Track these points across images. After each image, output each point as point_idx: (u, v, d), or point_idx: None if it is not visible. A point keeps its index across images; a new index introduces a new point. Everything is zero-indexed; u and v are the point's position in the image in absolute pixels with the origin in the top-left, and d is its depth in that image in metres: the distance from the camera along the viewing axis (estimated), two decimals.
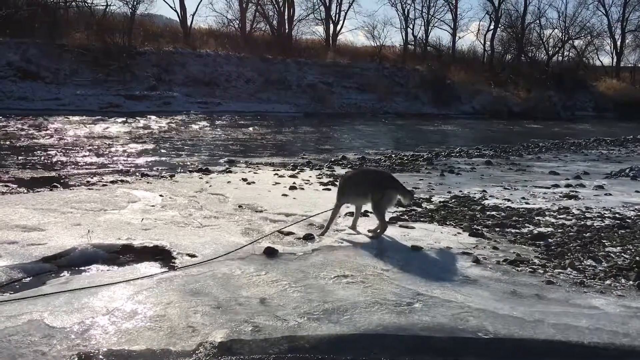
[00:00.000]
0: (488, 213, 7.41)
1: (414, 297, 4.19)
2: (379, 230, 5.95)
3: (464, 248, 5.55)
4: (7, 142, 15.52)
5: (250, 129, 24.13)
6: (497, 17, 58.43)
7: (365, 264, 4.92)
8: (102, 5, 42.37)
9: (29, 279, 4.32)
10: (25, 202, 7.07)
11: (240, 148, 17.02)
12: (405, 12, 57.83)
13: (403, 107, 43.07)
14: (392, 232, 6.06)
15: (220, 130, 22.92)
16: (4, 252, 4.74)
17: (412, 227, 6.40)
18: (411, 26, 58.46)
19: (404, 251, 5.38)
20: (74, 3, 42.71)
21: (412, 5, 58.34)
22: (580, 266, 5.09)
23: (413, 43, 58.70)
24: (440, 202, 8.20)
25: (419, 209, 7.62)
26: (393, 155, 15.06)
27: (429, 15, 58.11)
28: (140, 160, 13.00)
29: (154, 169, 11.60)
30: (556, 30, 61.30)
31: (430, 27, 58.54)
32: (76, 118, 24.84)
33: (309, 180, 10.04)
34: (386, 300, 4.10)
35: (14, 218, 6.03)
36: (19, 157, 12.61)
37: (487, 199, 8.51)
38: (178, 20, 49.09)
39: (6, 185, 8.96)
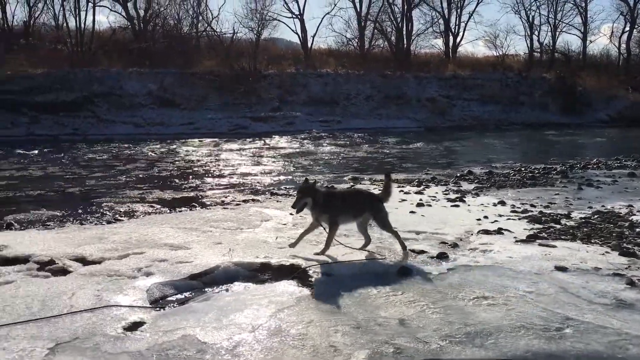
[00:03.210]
0: (638, 230, 6.81)
1: (563, 321, 3.92)
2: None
3: (615, 269, 5.12)
4: (149, 165, 16.79)
5: (372, 145, 24.22)
6: (633, 18, 54.28)
7: (506, 285, 4.70)
8: (230, 33, 44.97)
9: (179, 295, 4.60)
10: (169, 221, 7.59)
11: (363, 165, 17.11)
12: (530, 19, 55.49)
13: (529, 117, 41.11)
14: (532, 251, 5.76)
15: (342, 148, 23.23)
16: (156, 270, 5.10)
17: (553, 246, 6.02)
18: (536, 33, 55.93)
19: (547, 272, 5.07)
20: (204, 33, 45.64)
21: (537, 11, 55.86)
22: None
23: (539, 50, 56.11)
24: (581, 218, 7.69)
25: (558, 226, 7.18)
26: (523, 169, 14.38)
27: (556, 20, 55.33)
28: (268, 179, 13.49)
29: (282, 187, 11.96)
30: None
31: (557, 33, 55.70)
32: (208, 140, 26.39)
33: (435, 197, 9.85)
34: (533, 324, 3.88)
35: (162, 237, 6.48)
36: (160, 179, 13.59)
37: (635, 215, 7.84)
38: (299, 42, 50.77)
39: (151, 206, 9.69)
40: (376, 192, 7.10)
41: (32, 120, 30.47)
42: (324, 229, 5.88)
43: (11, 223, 8.09)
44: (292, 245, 5.82)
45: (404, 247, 5.92)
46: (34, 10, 41.80)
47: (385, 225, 6.02)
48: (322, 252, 5.74)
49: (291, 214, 7.59)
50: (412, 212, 8.28)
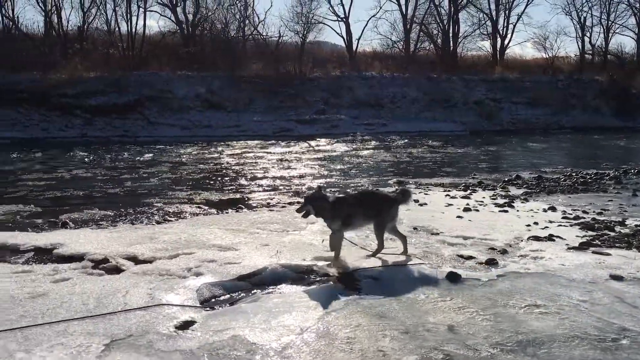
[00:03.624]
0: None
1: (619, 332, 3.80)
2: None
3: None
4: (196, 167, 17.11)
5: (417, 148, 24.02)
6: None
7: (558, 293, 4.58)
8: (276, 37, 45.39)
9: (228, 295, 4.67)
10: (217, 222, 7.72)
11: (408, 168, 16.98)
12: (582, 20, 53.97)
13: (580, 121, 39.97)
14: (585, 258, 5.60)
15: (387, 151, 23.12)
16: (206, 270, 5.20)
17: (608, 254, 5.84)
18: (588, 34, 54.36)
19: (602, 280, 4.92)
20: (251, 36, 46.23)
21: (589, 12, 54.36)
22: None
23: (590, 52, 54.49)
24: (636, 225, 7.43)
25: (612, 233, 6.97)
26: (574, 174, 13.99)
27: (609, 22, 53.62)
28: (313, 182, 13.54)
29: (327, 190, 11.98)
30: None
31: (610, 34, 54.00)
32: (253, 143, 26.70)
33: (482, 202, 9.70)
34: (587, 334, 3.78)
35: (210, 238, 6.60)
36: (206, 180, 13.82)
37: None
38: (344, 45, 50.83)
39: (199, 207, 9.87)
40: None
41: (85, 122, 31.53)
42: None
43: (66, 222, 8.38)
44: (335, 259, 5.67)
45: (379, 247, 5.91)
46: (88, 16, 43.29)
47: (379, 228, 5.88)
48: (335, 258, 5.65)
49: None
50: (459, 217, 8.16)
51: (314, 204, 5.64)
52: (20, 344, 3.59)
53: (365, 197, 6.44)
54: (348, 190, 11.78)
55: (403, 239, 6.03)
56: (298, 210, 5.80)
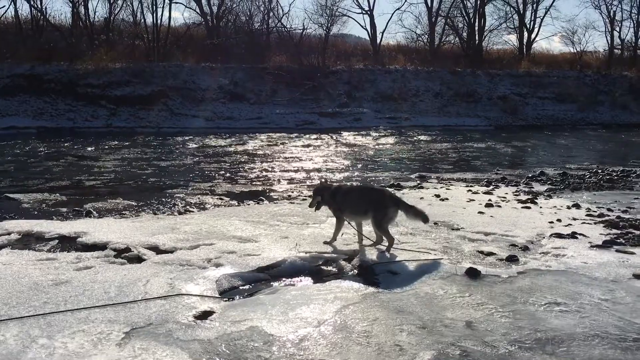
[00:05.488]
0: None
1: None
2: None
3: None
4: (218, 158, 17.22)
5: (440, 143, 23.85)
6: None
7: (579, 292, 4.52)
8: (300, 29, 45.33)
9: (246, 286, 4.70)
10: (238, 214, 7.77)
11: (430, 163, 16.88)
12: (611, 14, 52.86)
13: (608, 117, 39.25)
14: (608, 257, 5.51)
15: (409, 145, 23.00)
16: (226, 261, 5.24)
17: (632, 253, 5.73)
18: (617, 29, 53.27)
19: (625, 279, 4.84)
20: (275, 29, 46.26)
21: (619, 6, 53.18)
22: None
23: (620, 47, 53.41)
24: None
25: (637, 232, 6.83)
26: (599, 171, 13.77)
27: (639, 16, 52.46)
28: (334, 175, 13.54)
29: (348, 183, 11.96)
30: None
31: None
32: (275, 135, 26.77)
33: (505, 197, 9.60)
34: (607, 333, 3.72)
35: (231, 229, 6.64)
36: (228, 172, 13.91)
37: None
38: (368, 38, 50.58)
39: (220, 198, 9.95)
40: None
41: (111, 113, 31.90)
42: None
43: (90, 211, 8.51)
44: (330, 242, 6.01)
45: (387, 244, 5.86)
46: (114, 7, 43.66)
47: (379, 227, 5.84)
48: (330, 243, 5.99)
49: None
50: (480, 212, 8.09)
51: (322, 194, 6.13)
52: (43, 330, 3.66)
53: (363, 191, 6.54)
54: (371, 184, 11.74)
55: (379, 239, 5.99)
56: (310, 205, 6.20)
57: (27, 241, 6.19)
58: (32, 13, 41.56)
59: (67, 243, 6.11)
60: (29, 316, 3.87)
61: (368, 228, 6.11)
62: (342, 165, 15.72)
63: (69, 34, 40.64)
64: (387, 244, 5.80)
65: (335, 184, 6.72)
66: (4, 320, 3.80)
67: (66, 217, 8.06)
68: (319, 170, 14.51)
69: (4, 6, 55.83)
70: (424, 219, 5.79)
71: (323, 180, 6.14)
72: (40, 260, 5.28)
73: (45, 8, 43.57)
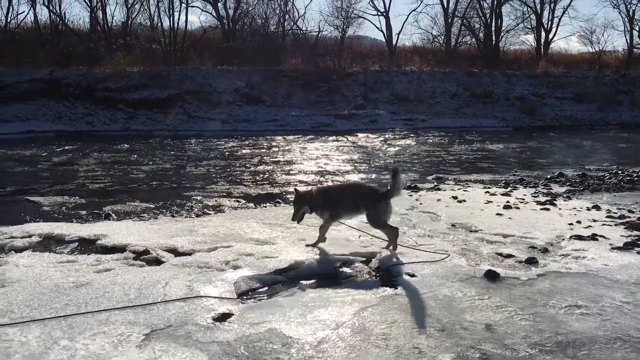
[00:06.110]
0: None
1: None
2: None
3: None
4: (235, 161, 17.30)
5: (456, 145, 23.71)
6: None
7: (600, 294, 4.47)
8: (315, 31, 45.39)
9: (264, 289, 4.72)
10: (255, 216, 7.80)
11: (447, 164, 16.78)
12: (630, 13, 52.15)
13: (628, 118, 38.76)
14: (629, 259, 5.44)
15: (426, 147, 22.91)
16: (244, 264, 5.27)
17: None
18: (637, 28, 52.53)
19: None
20: (290, 31, 46.38)
21: (638, 4, 52.45)
22: None
23: (639, 46, 52.69)
24: None
25: None
26: (620, 172, 13.59)
27: None
28: (350, 177, 13.53)
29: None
30: None
31: None
32: (291, 137, 26.83)
33: (523, 199, 9.51)
34: (630, 336, 3.68)
35: (248, 231, 6.67)
36: (245, 174, 13.96)
37: None
38: (384, 39, 50.47)
39: (237, 201, 9.98)
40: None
41: (128, 116, 32.21)
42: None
43: (109, 214, 8.59)
44: (314, 245, 5.94)
45: (395, 247, 5.81)
46: (132, 11, 44.10)
47: (376, 223, 5.85)
48: (314, 245, 5.91)
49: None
50: (498, 214, 8.02)
51: (309, 203, 5.93)
52: (65, 332, 3.70)
53: (349, 189, 6.56)
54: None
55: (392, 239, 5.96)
56: (294, 218, 5.98)
57: (48, 244, 6.27)
58: (51, 18, 42.14)
59: (87, 245, 6.18)
60: (50, 318, 3.92)
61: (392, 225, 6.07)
62: (357, 167, 15.70)
63: (87, 38, 41.09)
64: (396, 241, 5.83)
65: (312, 187, 6.55)
66: (26, 322, 3.86)
67: (86, 220, 8.14)
68: (334, 172, 14.51)
69: (24, 12, 56.60)
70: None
71: (296, 188, 6.09)
72: (61, 263, 5.35)
73: (64, 13, 44.24)
